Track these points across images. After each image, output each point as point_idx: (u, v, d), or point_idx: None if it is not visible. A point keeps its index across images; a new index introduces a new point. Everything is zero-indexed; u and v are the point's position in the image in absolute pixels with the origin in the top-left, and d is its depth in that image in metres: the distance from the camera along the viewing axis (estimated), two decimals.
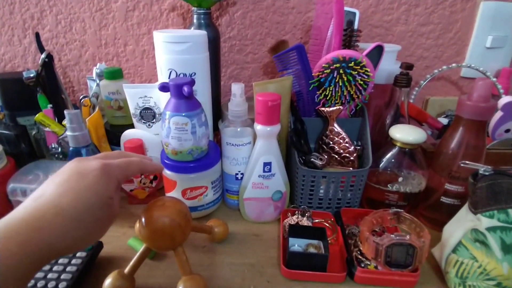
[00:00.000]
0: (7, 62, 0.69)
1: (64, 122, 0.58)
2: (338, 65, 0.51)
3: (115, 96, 0.63)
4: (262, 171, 0.50)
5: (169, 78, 0.54)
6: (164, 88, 0.47)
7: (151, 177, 0.56)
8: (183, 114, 0.47)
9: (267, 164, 0.50)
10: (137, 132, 0.59)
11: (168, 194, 0.53)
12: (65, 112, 0.51)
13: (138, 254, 0.41)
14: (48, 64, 0.57)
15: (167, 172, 0.51)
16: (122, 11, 0.64)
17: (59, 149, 0.60)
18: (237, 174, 0.54)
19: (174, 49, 0.52)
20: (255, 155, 0.50)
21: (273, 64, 0.69)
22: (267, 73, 0.71)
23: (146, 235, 0.39)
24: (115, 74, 0.62)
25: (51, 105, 0.61)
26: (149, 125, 0.61)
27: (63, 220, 0.28)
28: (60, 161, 0.58)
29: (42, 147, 0.62)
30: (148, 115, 0.60)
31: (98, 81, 0.63)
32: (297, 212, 0.52)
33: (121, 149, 0.59)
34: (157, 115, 0.60)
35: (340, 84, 0.52)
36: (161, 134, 0.49)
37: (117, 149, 0.62)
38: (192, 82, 0.47)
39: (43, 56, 0.56)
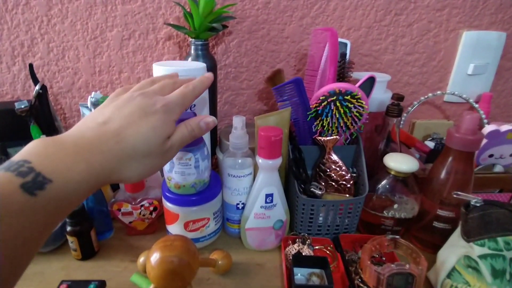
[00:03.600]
0: None
1: None
2: (334, 97, 0.54)
3: None
4: (264, 202, 0.51)
5: None
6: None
7: (151, 208, 0.55)
8: (187, 149, 0.47)
9: (269, 196, 0.51)
10: None
11: (169, 227, 0.53)
12: None
13: None
14: (42, 94, 0.56)
15: (168, 205, 0.51)
16: (117, 39, 0.64)
17: None
18: (238, 204, 0.54)
19: None
20: (257, 186, 0.51)
21: (268, 90, 0.71)
22: (262, 99, 0.72)
23: (156, 276, 0.38)
24: None
25: (44, 135, 0.60)
26: None
27: (122, 151, 0.29)
28: None
29: None
30: None
31: (93, 110, 0.62)
32: (297, 240, 0.54)
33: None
34: None
35: (337, 115, 0.54)
36: (164, 168, 0.50)
37: None
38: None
39: (37, 88, 0.55)
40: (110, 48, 0.65)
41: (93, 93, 0.61)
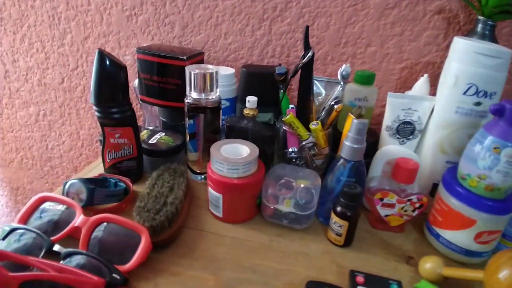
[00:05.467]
0: (231, 52, 0.67)
1: (312, 125, 0.53)
2: None
3: (361, 103, 0.56)
4: None
5: (464, 93, 0.46)
6: (499, 111, 0.39)
7: (417, 205, 0.48)
8: None
9: None
10: (400, 150, 0.51)
11: (449, 232, 0.45)
12: (355, 121, 0.45)
13: None
14: (309, 63, 0.52)
15: (463, 208, 0.42)
16: (379, 8, 0.57)
17: (298, 154, 0.55)
18: None
19: (484, 62, 0.43)
20: None
21: None
22: None
23: None
24: (369, 79, 0.55)
25: (292, 106, 0.56)
26: (402, 141, 0.53)
27: None
28: (304, 168, 0.53)
29: (273, 147, 0.57)
30: (406, 130, 0.52)
31: (342, 83, 0.57)
32: None
33: (378, 163, 0.52)
34: (415, 132, 0.52)
35: None
36: (477, 163, 0.41)
37: None
38: None
39: (310, 54, 0.51)
40: (367, 17, 0.58)
41: (344, 65, 0.55)
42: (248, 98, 0.52)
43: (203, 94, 0.52)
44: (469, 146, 0.42)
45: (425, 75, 0.54)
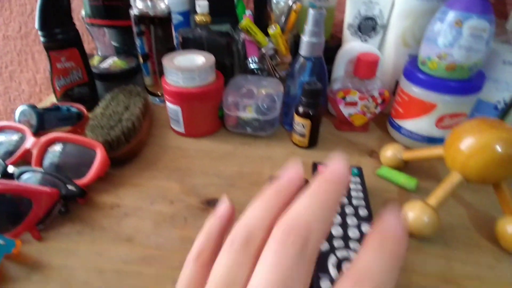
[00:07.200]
0: None
1: (270, 30, 0.50)
2: None
3: (321, 3, 0.53)
4: None
5: None
6: None
7: (379, 100, 0.47)
8: (482, 17, 0.36)
9: None
10: (363, 46, 0.49)
11: (408, 121, 0.45)
12: (311, 10, 0.42)
13: (447, 184, 0.33)
14: None
15: (422, 93, 0.42)
16: None
17: (259, 65, 0.53)
18: (498, 102, 0.44)
19: None
20: None
21: None
22: None
23: (473, 165, 0.31)
24: None
25: (249, 11, 0.52)
26: (365, 39, 0.51)
27: None
28: (267, 77, 0.51)
29: (232, 57, 0.54)
30: (367, 26, 0.50)
31: None
32: None
33: (341, 62, 0.50)
34: (377, 27, 0.50)
35: None
36: (436, 40, 0.39)
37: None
38: None
39: None
40: None
41: None
42: (198, 2, 0.48)
43: (149, 2, 0.47)
44: (429, 27, 0.41)
45: None
